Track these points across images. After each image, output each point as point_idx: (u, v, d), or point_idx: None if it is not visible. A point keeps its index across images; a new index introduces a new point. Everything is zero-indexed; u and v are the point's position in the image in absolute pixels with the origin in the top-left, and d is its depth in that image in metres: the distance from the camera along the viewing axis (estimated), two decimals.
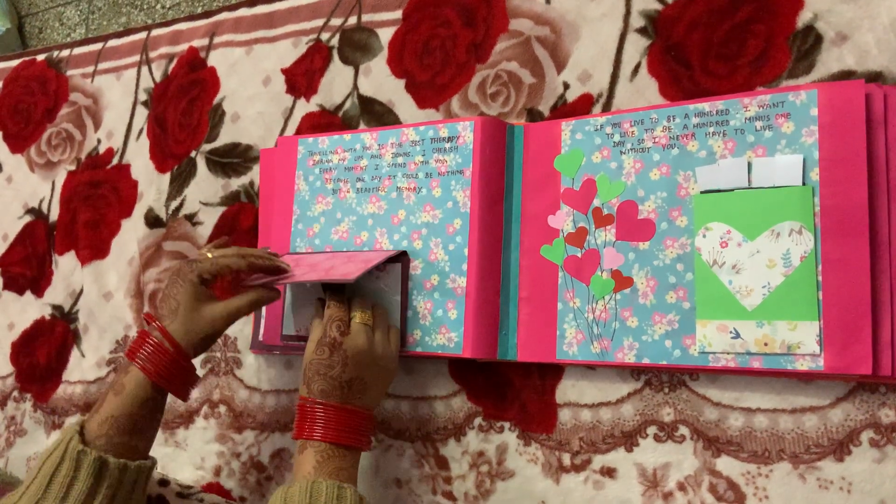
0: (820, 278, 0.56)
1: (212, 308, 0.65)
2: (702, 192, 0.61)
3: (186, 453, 0.84)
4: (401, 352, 0.68)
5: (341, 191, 0.74)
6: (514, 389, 0.68)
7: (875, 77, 0.58)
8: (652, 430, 0.62)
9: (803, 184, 0.57)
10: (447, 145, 0.69)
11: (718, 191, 0.60)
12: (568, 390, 0.66)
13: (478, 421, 0.69)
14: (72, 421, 0.93)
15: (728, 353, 0.58)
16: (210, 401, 0.83)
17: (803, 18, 0.60)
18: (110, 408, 0.61)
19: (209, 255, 0.66)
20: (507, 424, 0.68)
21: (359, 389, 0.61)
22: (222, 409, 0.82)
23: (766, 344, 0.57)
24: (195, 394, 0.84)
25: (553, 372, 0.67)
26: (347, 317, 0.63)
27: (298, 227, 0.76)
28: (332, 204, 0.75)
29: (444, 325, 0.67)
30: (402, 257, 0.69)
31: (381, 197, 0.72)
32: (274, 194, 0.79)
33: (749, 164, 0.59)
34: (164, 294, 0.65)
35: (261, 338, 0.76)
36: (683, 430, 0.61)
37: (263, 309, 0.77)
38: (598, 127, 0.65)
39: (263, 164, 0.83)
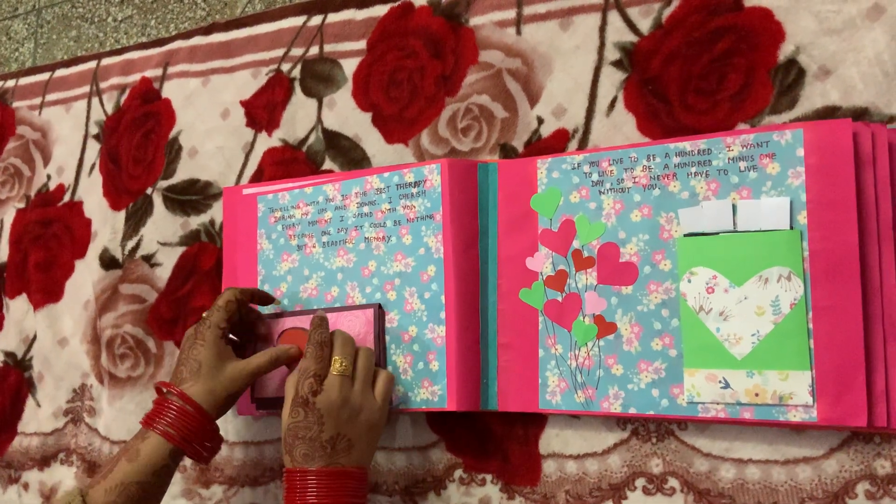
0: (811, 326, 0.54)
1: (233, 366, 0.63)
2: (685, 235, 0.58)
3: None
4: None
5: (307, 246, 0.71)
6: (495, 439, 0.65)
7: (861, 113, 0.56)
8: (640, 482, 0.60)
9: (791, 227, 0.55)
10: (414, 190, 0.66)
11: (703, 234, 0.57)
12: (552, 440, 0.63)
13: (458, 473, 0.66)
14: (33, 478, 0.88)
15: (718, 404, 0.56)
16: None
17: (785, 51, 0.58)
18: (121, 475, 0.58)
19: (204, 315, 0.65)
20: (489, 477, 0.65)
21: (344, 448, 0.57)
22: (188, 462, 0.78)
23: (756, 394, 0.55)
24: None
25: (536, 421, 0.64)
26: (324, 368, 0.59)
27: (265, 287, 0.72)
28: (299, 261, 0.71)
29: (426, 378, 0.64)
30: (376, 311, 0.66)
31: (349, 249, 0.68)
32: (236, 252, 0.75)
33: (734, 207, 0.57)
34: (182, 358, 0.63)
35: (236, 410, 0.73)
36: (673, 482, 0.59)
37: None
38: (576, 165, 0.62)
39: (227, 203, 0.78)
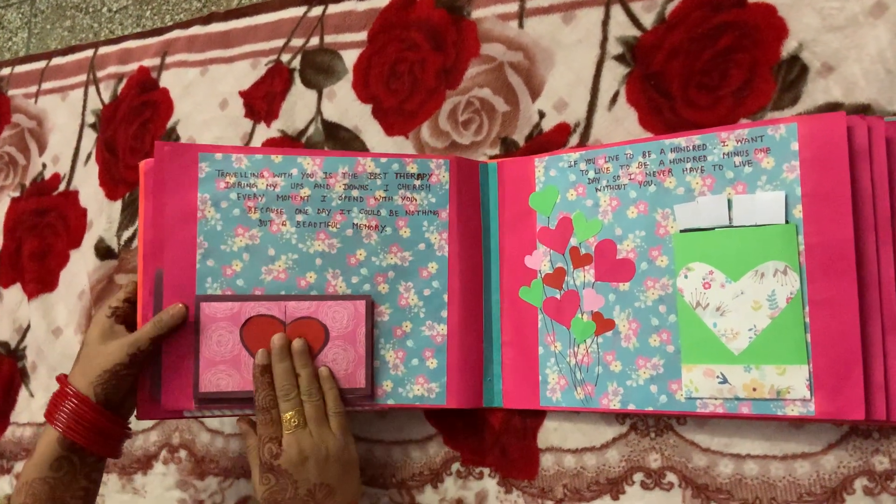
0: (807, 320, 0.54)
1: (114, 342, 0.59)
2: (681, 231, 0.58)
3: (145, 501, 0.79)
4: (372, 406, 0.63)
5: (273, 222, 0.63)
6: (493, 433, 0.65)
7: (862, 109, 0.56)
8: (638, 476, 0.60)
9: (786, 221, 0.55)
10: (416, 182, 0.64)
11: (699, 229, 0.57)
12: (550, 434, 0.63)
13: (456, 466, 0.66)
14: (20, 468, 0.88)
15: (716, 399, 0.56)
16: (169, 445, 0.79)
17: (788, 48, 0.58)
18: (24, 475, 0.57)
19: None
20: (486, 470, 0.65)
21: (325, 495, 0.57)
22: (183, 453, 0.78)
23: (754, 389, 0.55)
24: (153, 436, 0.79)
25: (535, 414, 0.64)
26: (278, 429, 0.58)
27: (208, 263, 0.62)
28: (261, 238, 0.63)
29: (421, 375, 0.63)
30: (369, 304, 0.63)
31: (333, 233, 0.63)
32: (164, 221, 0.63)
33: (729, 202, 0.57)
34: None
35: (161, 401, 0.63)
36: (671, 477, 0.59)
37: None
38: (572, 163, 0.62)
39: (158, 159, 0.64)
